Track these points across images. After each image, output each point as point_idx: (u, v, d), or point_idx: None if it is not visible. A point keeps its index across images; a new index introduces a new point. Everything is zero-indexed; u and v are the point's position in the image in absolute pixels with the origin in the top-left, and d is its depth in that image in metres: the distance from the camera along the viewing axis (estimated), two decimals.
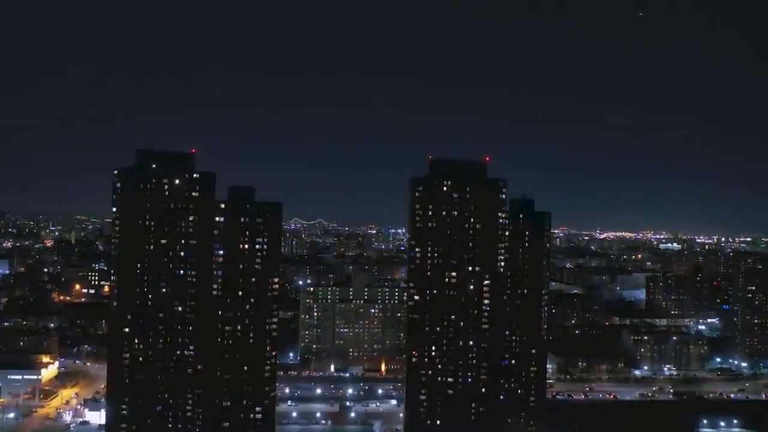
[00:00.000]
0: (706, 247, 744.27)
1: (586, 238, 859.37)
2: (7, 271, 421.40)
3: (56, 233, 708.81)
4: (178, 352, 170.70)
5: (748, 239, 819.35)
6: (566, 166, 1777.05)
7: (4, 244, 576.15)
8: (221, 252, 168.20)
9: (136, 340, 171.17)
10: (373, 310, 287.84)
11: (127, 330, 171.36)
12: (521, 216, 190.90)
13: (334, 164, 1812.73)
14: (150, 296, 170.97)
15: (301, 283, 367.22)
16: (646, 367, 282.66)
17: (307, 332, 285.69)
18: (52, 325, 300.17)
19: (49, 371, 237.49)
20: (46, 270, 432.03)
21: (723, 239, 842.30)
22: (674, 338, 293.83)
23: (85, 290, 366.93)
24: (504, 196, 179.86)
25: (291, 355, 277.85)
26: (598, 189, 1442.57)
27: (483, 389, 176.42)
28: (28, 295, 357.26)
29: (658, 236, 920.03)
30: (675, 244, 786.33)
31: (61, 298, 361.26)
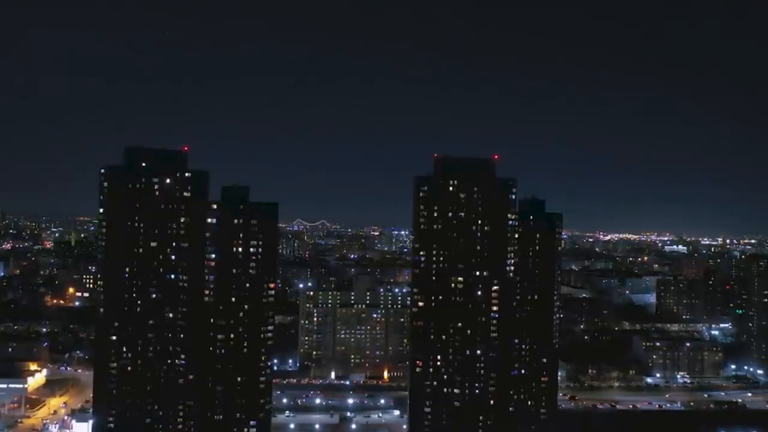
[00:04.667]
0: (713, 249, 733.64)
1: (591, 240, 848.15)
2: (2, 274, 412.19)
3: (56, 235, 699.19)
4: (169, 361, 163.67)
5: (753, 241, 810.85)
6: (565, 166, 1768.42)
7: (4, 246, 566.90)
8: (213, 255, 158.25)
9: (124, 349, 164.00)
10: (375, 315, 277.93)
11: (114, 338, 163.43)
12: (531, 217, 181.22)
13: (337, 165, 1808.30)
14: (139, 302, 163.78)
15: (301, 286, 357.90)
16: (658, 375, 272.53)
17: (306, 338, 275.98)
18: (44, 329, 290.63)
19: (37, 379, 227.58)
20: (41, 272, 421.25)
21: (728, 241, 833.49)
22: (688, 344, 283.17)
23: (79, 294, 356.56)
24: (514, 197, 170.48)
25: (290, 361, 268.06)
26: (597, 190, 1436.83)
27: (491, 401, 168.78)
28: (21, 298, 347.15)
29: (662, 238, 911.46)
30: (680, 246, 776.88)
31: (55, 301, 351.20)
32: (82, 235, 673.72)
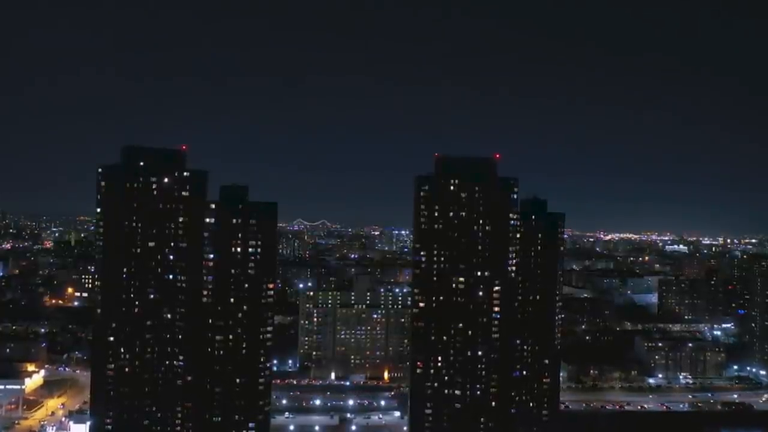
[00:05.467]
0: (713, 249, 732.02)
1: (591, 239, 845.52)
2: (1, 273, 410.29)
3: (56, 234, 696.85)
4: (167, 362, 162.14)
5: (754, 241, 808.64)
6: (565, 166, 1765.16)
7: (3, 246, 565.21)
8: (212, 255, 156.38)
9: (122, 350, 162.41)
10: (375, 315, 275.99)
11: (112, 338, 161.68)
12: (533, 217, 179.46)
13: (338, 164, 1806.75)
14: (137, 302, 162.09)
15: (301, 286, 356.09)
16: (660, 375, 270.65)
17: (306, 338, 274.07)
18: (42, 330, 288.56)
19: (34, 380, 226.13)
20: (41, 272, 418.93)
21: (728, 241, 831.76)
22: (690, 345, 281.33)
23: (78, 294, 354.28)
24: (515, 196, 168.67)
25: (290, 362, 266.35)
26: (598, 189, 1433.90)
27: (492, 402, 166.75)
28: (20, 298, 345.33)
29: (662, 238, 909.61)
30: (681, 246, 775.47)
31: (54, 301, 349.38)
32: (82, 235, 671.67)
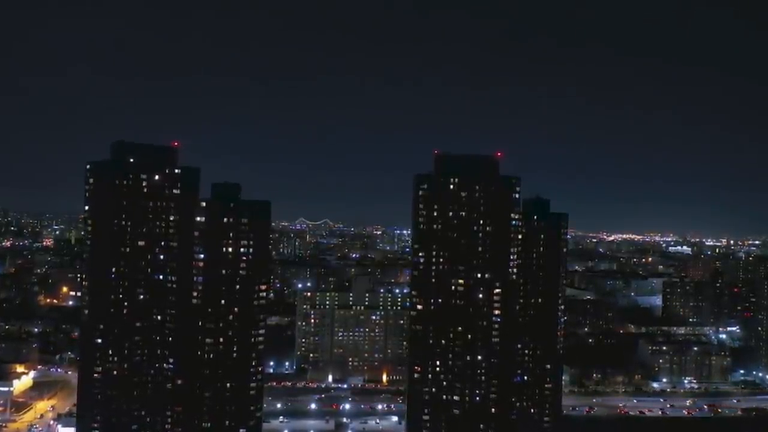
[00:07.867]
0: (717, 250, 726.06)
1: (594, 240, 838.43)
2: None
3: (57, 232, 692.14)
4: (156, 365, 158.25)
5: (757, 242, 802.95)
6: (565, 166, 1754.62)
7: (4, 244, 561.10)
8: (202, 256, 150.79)
9: (110, 352, 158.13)
10: (374, 317, 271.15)
11: (99, 341, 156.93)
12: (535, 217, 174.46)
13: (340, 163, 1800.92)
14: (126, 303, 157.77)
15: (300, 286, 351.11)
16: (665, 379, 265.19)
17: (303, 340, 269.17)
18: (36, 330, 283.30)
19: (23, 382, 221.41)
20: (37, 271, 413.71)
21: (732, 242, 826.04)
22: (695, 348, 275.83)
23: (72, 293, 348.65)
24: (517, 196, 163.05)
25: (287, 364, 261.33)
26: (598, 190, 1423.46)
27: (492, 408, 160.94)
28: (14, 297, 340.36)
29: (665, 238, 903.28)
30: (684, 247, 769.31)
31: (48, 300, 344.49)
32: (82, 233, 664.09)
